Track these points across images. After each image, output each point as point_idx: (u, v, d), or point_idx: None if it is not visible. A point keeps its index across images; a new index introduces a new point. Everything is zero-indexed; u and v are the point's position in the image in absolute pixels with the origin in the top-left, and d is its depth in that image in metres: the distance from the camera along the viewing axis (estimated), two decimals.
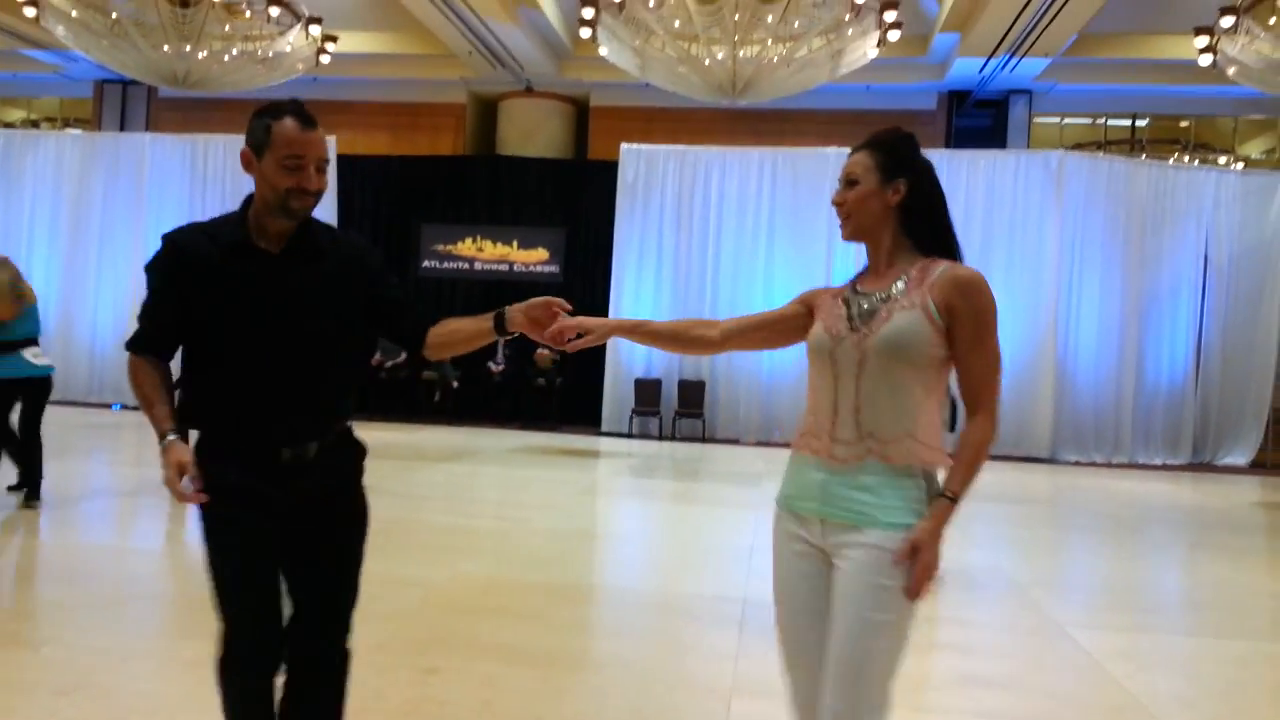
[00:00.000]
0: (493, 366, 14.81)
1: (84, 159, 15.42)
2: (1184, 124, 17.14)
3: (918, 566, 1.96)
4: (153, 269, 2.24)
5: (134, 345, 2.23)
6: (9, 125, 19.05)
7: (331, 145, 14.78)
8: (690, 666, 4.05)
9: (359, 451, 2.43)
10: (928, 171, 2.10)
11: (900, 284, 2.06)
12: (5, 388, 6.36)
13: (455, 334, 2.39)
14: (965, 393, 2.05)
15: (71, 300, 15.26)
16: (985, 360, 2.05)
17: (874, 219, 2.09)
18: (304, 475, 2.25)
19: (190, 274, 2.19)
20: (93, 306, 15.28)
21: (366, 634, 4.19)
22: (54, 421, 12.62)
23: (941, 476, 2.04)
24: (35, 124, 19.48)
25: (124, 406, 14.71)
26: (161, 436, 2.14)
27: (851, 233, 2.14)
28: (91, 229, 15.29)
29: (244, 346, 2.20)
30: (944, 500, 2.00)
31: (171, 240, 2.24)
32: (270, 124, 2.18)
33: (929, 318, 2.00)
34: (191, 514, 7.12)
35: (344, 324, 2.31)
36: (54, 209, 15.44)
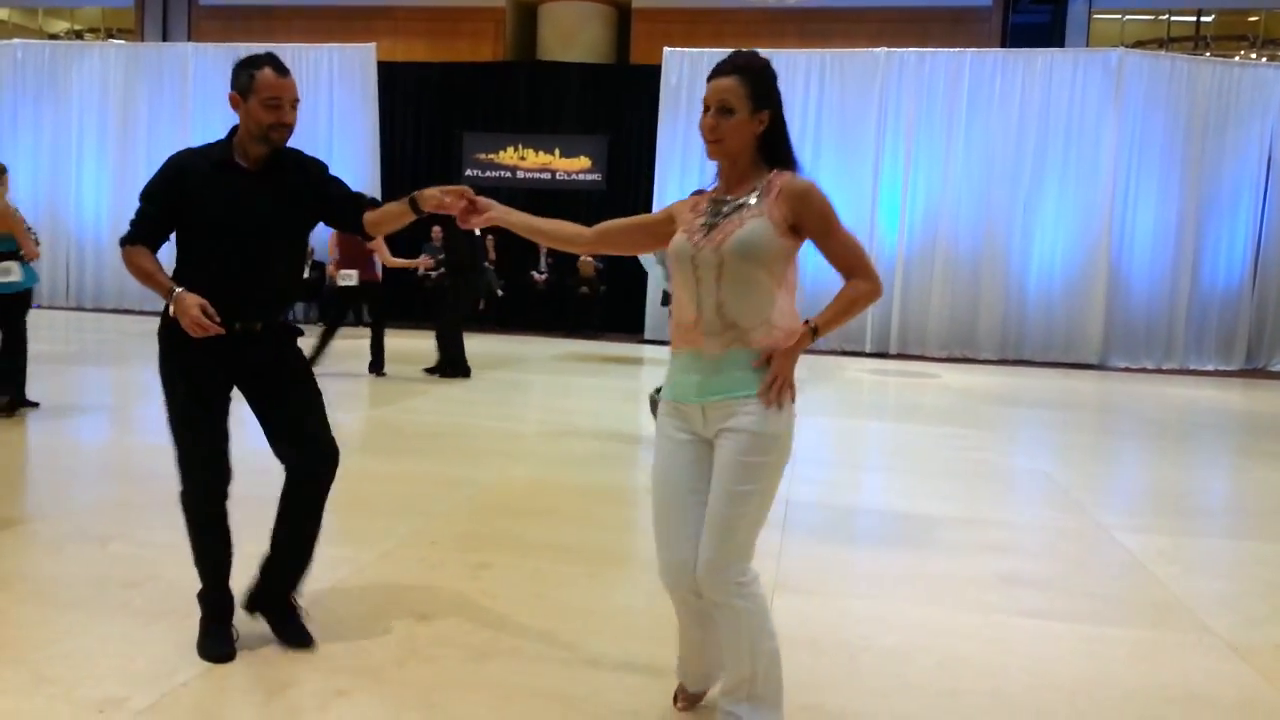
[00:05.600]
0: (536, 275, 14.84)
1: (128, 71, 15.44)
2: (1253, 19, 16.38)
3: (769, 375, 2.32)
4: (154, 180, 2.88)
5: (129, 239, 2.90)
6: (53, 36, 19.09)
7: (371, 52, 14.57)
8: None
9: (294, 332, 3.09)
10: (781, 99, 2.41)
11: (754, 197, 2.37)
12: None
13: (384, 214, 3.00)
14: (840, 269, 2.41)
15: (122, 212, 15.34)
16: (842, 241, 2.38)
17: (743, 144, 2.38)
18: (251, 345, 2.90)
19: (185, 185, 2.84)
20: None
21: (418, 530, 4.33)
22: (111, 329, 12.96)
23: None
24: (79, 35, 19.50)
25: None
26: (169, 292, 2.78)
27: (720, 154, 2.40)
28: (138, 141, 15.38)
29: (220, 243, 2.86)
30: (806, 327, 2.37)
31: (172, 160, 2.89)
32: (253, 73, 2.79)
33: (774, 223, 2.32)
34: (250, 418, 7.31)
35: (295, 227, 3.00)
36: (101, 121, 15.55)
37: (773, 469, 2.35)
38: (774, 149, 2.41)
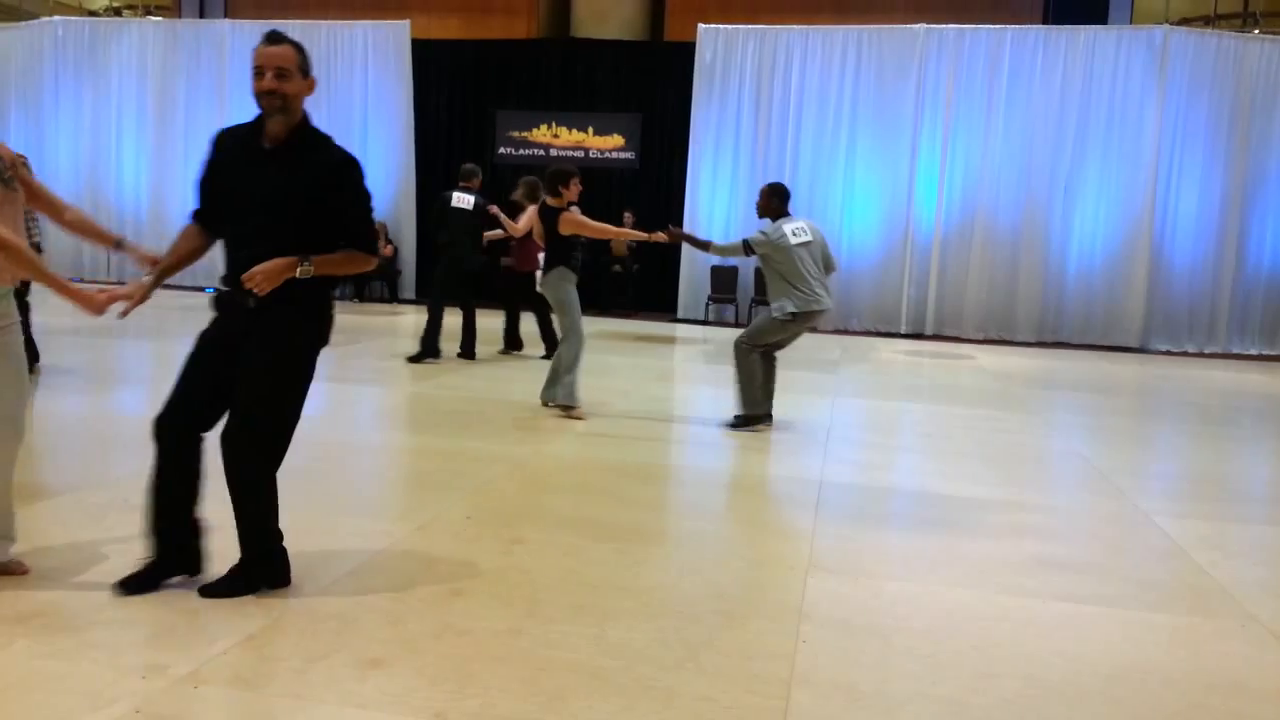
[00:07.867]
0: None
1: (165, 48, 15.57)
2: None
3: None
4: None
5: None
6: (93, 13, 19.26)
7: (405, 29, 14.51)
8: (767, 543, 4.13)
9: (293, 312, 3.06)
10: None
11: None
12: None
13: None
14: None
15: (162, 188, 15.65)
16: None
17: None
18: (249, 315, 3.02)
19: (215, 159, 3.10)
20: (182, 194, 15.58)
21: (454, 505, 4.35)
22: (150, 303, 13.08)
23: None
24: (118, 11, 19.66)
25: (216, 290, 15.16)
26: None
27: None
28: (177, 117, 15.52)
29: (229, 215, 3.09)
30: None
31: (212, 137, 3.15)
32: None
33: None
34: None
35: (298, 212, 3.00)
36: (139, 98, 15.70)
37: None
38: None
